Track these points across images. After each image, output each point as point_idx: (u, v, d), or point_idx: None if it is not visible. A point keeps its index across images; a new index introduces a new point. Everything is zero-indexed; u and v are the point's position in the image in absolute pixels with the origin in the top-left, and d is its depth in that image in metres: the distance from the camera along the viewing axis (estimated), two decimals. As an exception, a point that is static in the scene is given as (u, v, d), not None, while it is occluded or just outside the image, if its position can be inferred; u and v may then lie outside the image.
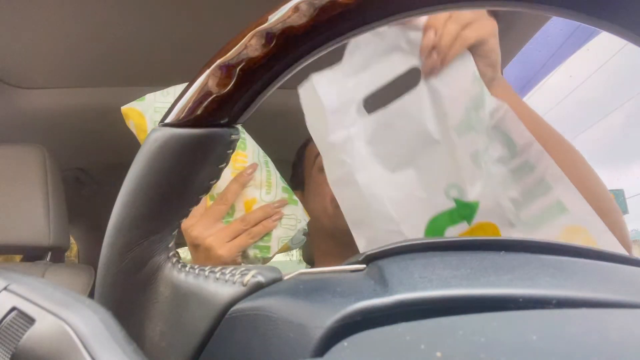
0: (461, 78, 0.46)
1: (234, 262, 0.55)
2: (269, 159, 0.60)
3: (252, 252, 0.56)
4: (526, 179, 0.46)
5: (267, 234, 0.56)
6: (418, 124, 0.46)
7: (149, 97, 0.58)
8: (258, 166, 0.57)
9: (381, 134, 0.47)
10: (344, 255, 0.55)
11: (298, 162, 0.83)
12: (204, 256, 0.56)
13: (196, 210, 0.55)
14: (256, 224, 0.55)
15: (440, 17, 0.45)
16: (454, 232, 0.47)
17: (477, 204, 0.46)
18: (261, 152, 0.60)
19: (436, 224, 0.46)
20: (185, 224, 0.56)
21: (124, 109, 0.58)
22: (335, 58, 0.44)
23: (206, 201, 0.57)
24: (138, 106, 0.57)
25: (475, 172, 0.46)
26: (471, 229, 0.46)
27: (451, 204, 0.46)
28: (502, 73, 0.93)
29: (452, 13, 0.45)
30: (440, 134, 0.46)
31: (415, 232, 0.46)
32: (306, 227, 0.59)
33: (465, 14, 0.45)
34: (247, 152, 0.58)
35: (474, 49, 0.46)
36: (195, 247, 0.56)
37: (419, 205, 0.47)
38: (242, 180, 0.55)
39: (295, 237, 0.58)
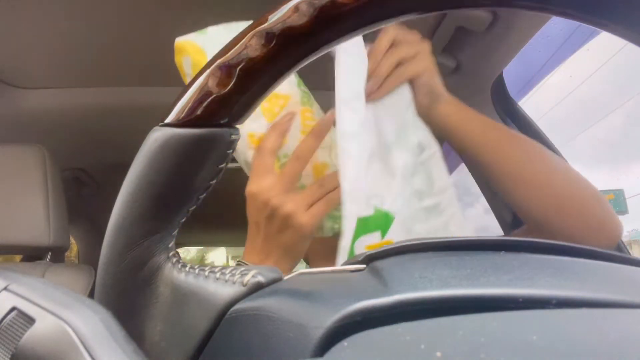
0: (396, 103, 0.51)
1: (312, 233, 0.49)
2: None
3: (328, 224, 0.51)
4: (433, 221, 0.50)
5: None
6: (368, 132, 0.50)
7: (212, 30, 0.50)
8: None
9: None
10: (335, 258, 0.55)
11: None
12: (278, 227, 0.49)
13: (264, 172, 0.49)
14: (334, 188, 0.49)
15: (381, 48, 0.50)
16: (367, 240, 0.48)
17: (393, 217, 0.48)
18: (319, 107, 0.55)
19: (358, 227, 0.47)
20: (253, 187, 0.49)
21: (179, 42, 0.50)
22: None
23: (275, 163, 0.50)
24: (198, 40, 0.50)
25: (398, 188, 0.48)
26: (382, 243, 0.48)
27: (370, 211, 0.48)
28: (502, 73, 0.93)
29: (393, 44, 0.50)
30: (377, 147, 0.50)
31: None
32: None
33: (403, 49, 0.50)
34: (313, 108, 0.53)
35: (411, 81, 0.52)
36: (268, 215, 0.49)
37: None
38: (320, 132, 0.49)
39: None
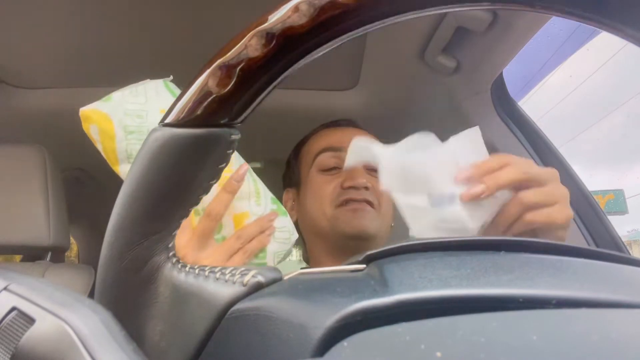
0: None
1: None
2: (250, 168, 0.54)
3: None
4: None
5: (262, 250, 0.52)
6: None
7: (116, 96, 0.51)
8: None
9: None
10: (338, 257, 0.55)
11: (293, 160, 0.81)
12: None
13: (182, 229, 0.49)
14: (251, 239, 0.51)
15: (493, 169, 0.37)
16: None
17: None
18: (241, 158, 0.55)
19: None
20: (177, 244, 0.51)
21: (84, 111, 0.50)
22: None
23: (191, 218, 0.51)
24: (103, 108, 0.50)
25: None
26: None
27: None
28: (502, 73, 0.93)
29: (523, 178, 0.38)
30: None
31: None
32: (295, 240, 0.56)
33: (542, 192, 0.36)
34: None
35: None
36: None
37: None
38: (232, 188, 0.50)
39: (287, 251, 0.55)
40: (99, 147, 0.51)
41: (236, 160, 0.54)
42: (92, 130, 0.51)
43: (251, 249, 0.51)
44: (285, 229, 0.54)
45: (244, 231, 0.51)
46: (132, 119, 0.49)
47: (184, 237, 0.51)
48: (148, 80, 0.52)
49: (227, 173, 0.51)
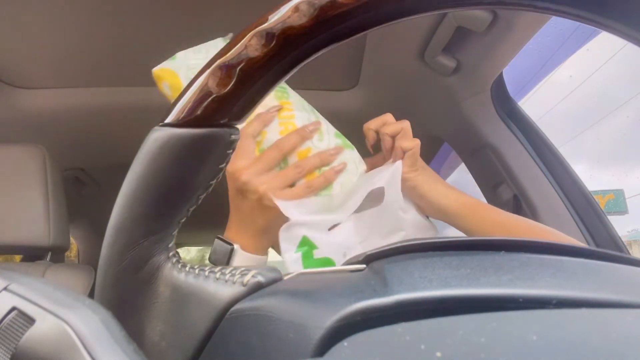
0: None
1: None
2: (312, 107, 0.58)
3: None
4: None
5: (328, 186, 0.52)
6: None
7: (180, 55, 0.55)
8: (304, 114, 0.54)
9: None
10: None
11: None
12: (252, 206, 0.51)
13: (244, 154, 0.51)
14: (312, 171, 0.52)
15: (375, 124, 0.57)
16: None
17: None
18: (303, 100, 0.58)
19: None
20: (233, 166, 0.51)
21: (156, 70, 0.55)
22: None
23: (255, 149, 0.53)
24: (170, 65, 0.55)
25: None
26: None
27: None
28: (502, 73, 0.93)
29: (385, 124, 0.56)
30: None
31: None
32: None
33: (393, 126, 0.56)
34: (290, 100, 0.56)
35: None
36: (243, 195, 0.51)
37: None
38: (305, 134, 0.52)
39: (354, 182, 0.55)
40: (166, 93, 0.56)
41: (297, 102, 0.56)
42: (164, 88, 0.55)
43: (317, 184, 0.51)
44: (351, 160, 0.55)
45: (304, 161, 0.52)
46: (196, 71, 0.52)
47: (243, 160, 0.51)
48: (211, 42, 0.57)
49: (286, 112, 0.54)
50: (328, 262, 0.50)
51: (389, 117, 0.58)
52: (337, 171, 0.52)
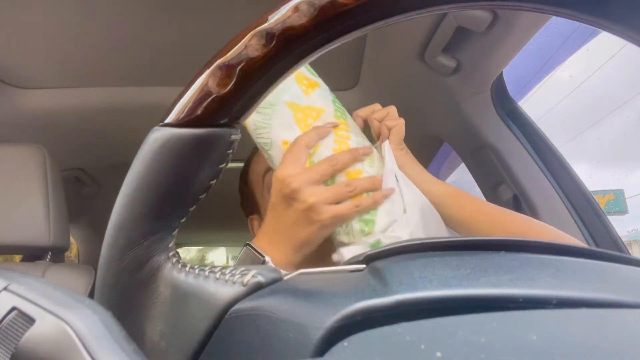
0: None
1: (329, 230, 0.51)
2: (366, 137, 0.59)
3: (357, 225, 0.52)
4: None
5: (374, 209, 0.52)
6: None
7: None
8: (359, 139, 0.55)
9: None
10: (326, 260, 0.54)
11: (244, 187, 0.77)
12: (297, 218, 0.50)
13: (295, 161, 0.50)
14: (361, 193, 0.51)
15: (365, 112, 0.62)
16: None
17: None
18: (358, 126, 0.59)
19: None
20: (283, 172, 0.50)
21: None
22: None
23: (307, 158, 0.52)
24: None
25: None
26: None
27: None
28: (502, 73, 0.93)
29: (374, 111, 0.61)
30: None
31: None
32: None
33: (381, 112, 0.61)
34: (348, 121, 0.57)
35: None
36: (289, 203, 0.50)
37: None
38: (357, 156, 0.53)
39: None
40: None
41: (354, 126, 0.58)
42: None
43: (364, 205, 0.51)
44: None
45: (355, 181, 0.52)
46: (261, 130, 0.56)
47: (294, 168, 0.50)
48: None
49: (342, 132, 0.55)
50: None
51: (377, 106, 0.61)
52: (385, 195, 0.52)
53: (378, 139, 0.60)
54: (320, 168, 0.50)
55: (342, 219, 0.51)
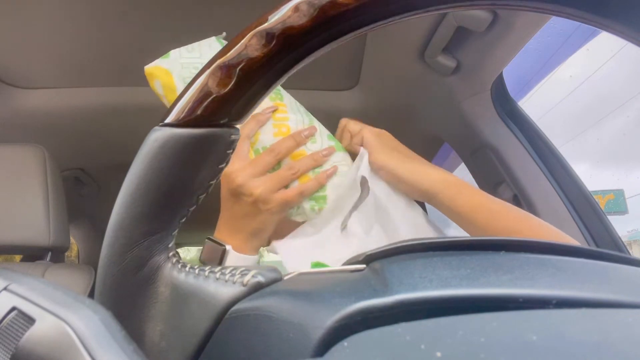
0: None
1: (279, 215, 0.52)
2: (305, 109, 0.58)
3: (308, 205, 0.53)
4: None
5: (321, 188, 0.53)
6: None
7: (174, 53, 0.55)
8: (298, 116, 0.54)
9: None
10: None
11: None
12: (247, 210, 0.51)
13: (238, 155, 0.51)
14: (306, 172, 0.52)
15: (340, 129, 0.61)
16: None
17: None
18: (296, 101, 0.58)
19: None
20: (228, 167, 0.49)
21: (148, 68, 0.55)
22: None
23: (250, 150, 0.53)
24: (163, 64, 0.54)
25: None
26: None
27: None
28: (502, 73, 0.93)
29: (345, 127, 0.59)
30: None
31: None
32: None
33: (352, 127, 0.59)
34: (284, 101, 0.55)
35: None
36: (237, 197, 0.51)
37: None
38: (300, 140, 0.53)
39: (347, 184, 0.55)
40: (165, 101, 0.55)
41: (291, 104, 0.56)
42: (156, 86, 0.55)
43: (309, 188, 0.52)
44: (343, 162, 0.55)
45: (297, 162, 0.52)
46: (189, 70, 0.54)
47: (237, 162, 0.51)
48: (204, 41, 0.57)
49: (280, 114, 0.54)
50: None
51: (343, 121, 0.60)
52: (329, 174, 0.53)
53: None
54: (263, 160, 0.51)
55: (290, 204, 0.52)
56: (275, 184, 0.51)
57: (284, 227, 0.57)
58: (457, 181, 0.54)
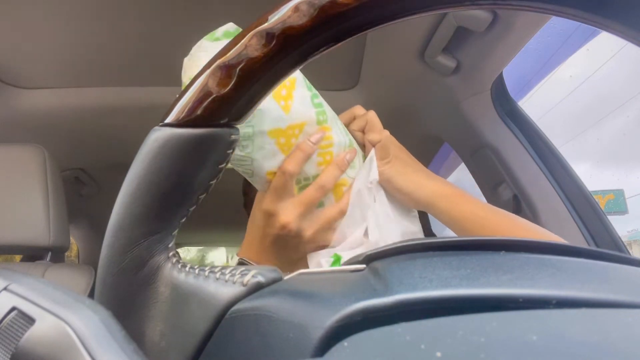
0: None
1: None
2: (341, 122, 0.55)
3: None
4: None
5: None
6: None
7: (211, 46, 0.49)
8: (340, 138, 0.52)
9: None
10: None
11: (248, 188, 0.77)
12: (294, 247, 0.51)
13: (284, 195, 0.49)
14: (333, 185, 0.51)
15: (346, 118, 0.59)
16: None
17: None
18: (334, 115, 0.55)
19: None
20: (271, 207, 0.49)
21: (188, 60, 0.49)
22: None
23: (293, 186, 0.50)
24: (202, 56, 0.48)
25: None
26: None
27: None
28: (502, 73, 0.93)
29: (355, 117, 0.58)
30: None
31: None
32: None
33: (360, 121, 0.58)
34: (329, 122, 0.52)
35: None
36: (285, 239, 0.50)
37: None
38: (344, 167, 0.51)
39: None
40: None
41: (338, 129, 0.53)
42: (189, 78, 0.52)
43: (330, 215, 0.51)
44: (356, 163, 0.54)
45: (322, 179, 0.50)
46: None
47: (285, 203, 0.49)
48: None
49: (326, 141, 0.51)
50: None
51: (357, 109, 0.58)
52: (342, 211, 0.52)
53: (360, 146, 0.57)
54: (312, 197, 0.50)
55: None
56: (323, 224, 0.50)
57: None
58: (453, 192, 0.55)
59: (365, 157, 0.56)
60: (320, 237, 0.51)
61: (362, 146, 0.56)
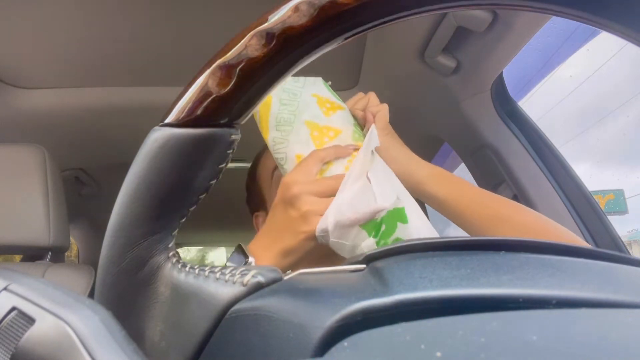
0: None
1: (316, 243, 0.51)
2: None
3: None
4: None
5: None
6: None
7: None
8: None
9: None
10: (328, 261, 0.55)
11: (251, 183, 0.77)
12: (288, 225, 0.51)
13: (306, 170, 0.51)
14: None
15: (353, 100, 0.62)
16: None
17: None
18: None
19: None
20: (290, 177, 0.51)
21: None
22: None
23: (318, 171, 0.53)
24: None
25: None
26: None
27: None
28: (502, 73, 0.93)
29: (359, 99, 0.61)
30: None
31: None
32: None
33: (364, 100, 0.62)
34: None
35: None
36: (286, 207, 0.51)
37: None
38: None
39: None
40: (256, 115, 0.58)
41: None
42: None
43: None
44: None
45: (320, 153, 0.52)
46: (288, 94, 0.58)
47: (302, 176, 0.51)
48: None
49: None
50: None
51: (360, 94, 0.62)
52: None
53: (362, 123, 0.61)
54: (328, 182, 0.51)
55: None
56: (324, 209, 0.50)
57: (313, 260, 0.57)
58: (442, 172, 0.59)
59: (365, 134, 0.58)
60: (314, 223, 0.50)
61: (363, 125, 0.60)
